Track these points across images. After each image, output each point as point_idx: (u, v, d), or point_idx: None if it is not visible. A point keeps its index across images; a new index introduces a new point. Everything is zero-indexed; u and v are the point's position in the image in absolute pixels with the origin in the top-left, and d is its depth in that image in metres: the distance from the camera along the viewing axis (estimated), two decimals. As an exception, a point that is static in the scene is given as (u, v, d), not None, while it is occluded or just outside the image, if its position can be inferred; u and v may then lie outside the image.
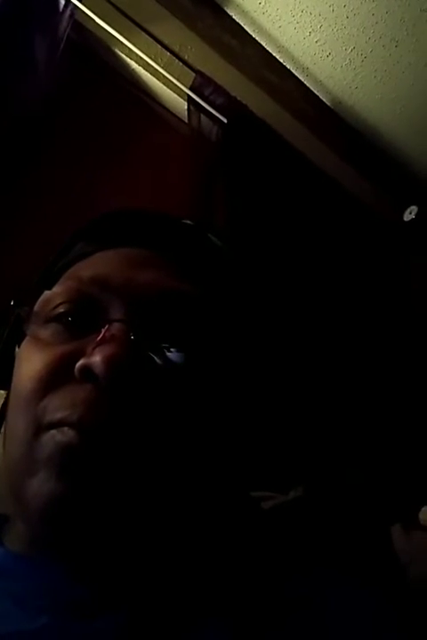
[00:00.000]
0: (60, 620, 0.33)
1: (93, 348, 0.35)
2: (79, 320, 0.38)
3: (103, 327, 0.36)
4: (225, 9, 1.34)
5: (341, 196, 1.60)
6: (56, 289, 0.40)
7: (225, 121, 1.40)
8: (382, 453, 1.42)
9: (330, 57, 1.46)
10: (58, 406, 0.34)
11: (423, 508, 1.21)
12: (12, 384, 0.39)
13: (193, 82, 1.37)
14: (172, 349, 0.37)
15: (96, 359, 0.34)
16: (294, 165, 1.48)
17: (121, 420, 0.33)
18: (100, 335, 0.35)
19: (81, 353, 0.35)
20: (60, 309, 0.39)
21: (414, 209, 1.62)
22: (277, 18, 1.37)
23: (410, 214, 1.62)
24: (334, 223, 1.53)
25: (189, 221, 0.47)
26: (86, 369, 0.34)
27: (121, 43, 1.25)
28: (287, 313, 1.30)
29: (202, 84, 1.38)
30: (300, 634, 0.35)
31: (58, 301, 0.39)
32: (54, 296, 0.40)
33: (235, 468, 0.45)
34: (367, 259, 1.60)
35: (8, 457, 0.37)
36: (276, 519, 0.51)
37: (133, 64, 1.33)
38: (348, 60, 1.46)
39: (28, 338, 0.40)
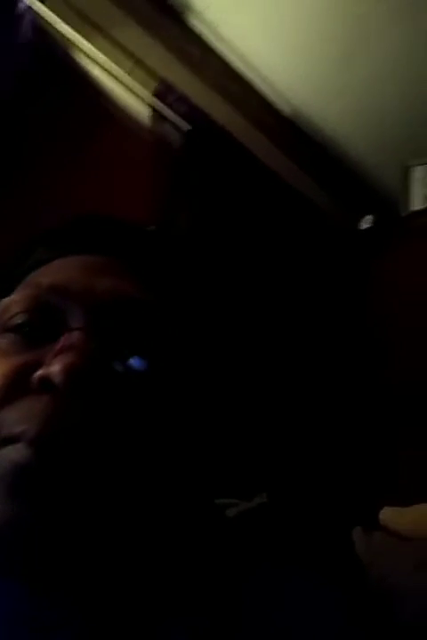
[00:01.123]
0: (13, 638, 0.32)
1: (52, 358, 0.34)
2: (37, 329, 0.37)
3: (62, 336, 0.35)
4: (188, 18, 1.35)
5: (300, 204, 1.64)
6: (13, 297, 0.39)
7: (188, 128, 1.41)
8: (342, 457, 1.46)
9: (289, 69, 1.49)
10: (15, 420, 0.33)
11: (384, 509, 1.26)
12: None
13: (156, 89, 1.38)
14: (132, 357, 0.37)
15: (55, 369, 0.32)
16: (255, 173, 1.51)
17: (81, 432, 0.33)
18: (60, 344, 0.34)
19: (39, 363, 0.34)
20: (18, 320, 0.38)
21: (369, 218, 1.68)
22: (239, 29, 1.40)
23: (366, 223, 1.68)
24: (293, 230, 1.57)
25: (149, 228, 0.48)
26: (45, 379, 0.33)
27: (83, 47, 1.24)
28: (246, 319, 1.32)
29: (165, 91, 1.38)
30: (260, 632, 0.35)
31: (15, 310, 0.38)
32: (11, 304, 0.38)
33: (198, 475, 0.45)
34: (325, 265, 1.65)
35: None
36: (240, 525, 0.52)
37: (96, 69, 1.32)
38: (306, 73, 1.51)
39: None
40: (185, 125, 1.42)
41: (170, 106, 1.41)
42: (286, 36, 1.41)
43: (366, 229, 1.68)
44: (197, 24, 1.37)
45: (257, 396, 1.26)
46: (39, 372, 0.34)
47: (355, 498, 1.26)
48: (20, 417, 0.33)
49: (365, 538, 0.87)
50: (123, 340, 0.37)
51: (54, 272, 0.40)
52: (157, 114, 1.40)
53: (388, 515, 1.25)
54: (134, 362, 0.37)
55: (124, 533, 0.36)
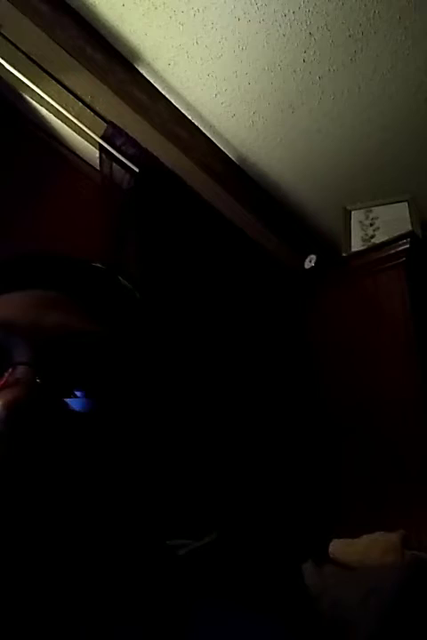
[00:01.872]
0: None
1: None
2: None
3: (7, 371, 0.35)
4: (136, 66, 1.39)
5: (247, 245, 1.69)
6: None
7: (136, 170, 1.44)
8: (291, 494, 1.47)
9: (235, 118, 1.57)
10: None
11: (333, 542, 1.27)
12: None
13: (105, 131, 1.40)
14: (80, 392, 0.37)
15: None
16: (203, 215, 1.56)
17: (22, 468, 0.32)
18: (3, 379, 0.34)
19: None
20: None
21: (313, 257, 1.76)
22: (185, 79, 1.46)
23: (310, 262, 1.75)
24: (240, 269, 1.62)
25: (97, 264, 0.48)
26: None
27: (31, 90, 1.25)
28: (192, 356, 1.33)
29: (114, 133, 1.41)
30: None
31: None
32: None
33: (148, 513, 0.45)
34: (271, 302, 1.70)
35: None
36: (188, 562, 0.52)
37: (44, 111, 1.33)
38: (251, 122, 1.59)
39: None
40: (134, 167, 1.44)
41: (119, 148, 1.43)
42: (230, 87, 1.48)
43: (309, 269, 1.75)
44: (144, 72, 1.42)
45: (205, 433, 1.26)
46: None
47: (305, 532, 1.27)
48: None
49: (316, 570, 0.88)
50: (70, 375, 0.37)
51: (0, 308, 0.40)
52: (106, 155, 1.42)
53: (337, 547, 1.28)
54: (82, 397, 0.36)
55: (70, 567, 0.35)
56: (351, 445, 1.51)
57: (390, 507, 1.37)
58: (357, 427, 1.50)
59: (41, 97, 1.28)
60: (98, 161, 1.42)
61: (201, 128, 1.59)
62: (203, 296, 1.45)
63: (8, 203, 1.21)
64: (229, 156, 1.66)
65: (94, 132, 1.39)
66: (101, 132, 1.40)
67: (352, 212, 1.75)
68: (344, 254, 1.70)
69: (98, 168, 1.42)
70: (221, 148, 1.64)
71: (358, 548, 1.17)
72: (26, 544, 0.32)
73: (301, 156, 1.68)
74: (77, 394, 0.37)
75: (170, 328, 1.24)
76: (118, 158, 1.43)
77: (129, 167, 1.44)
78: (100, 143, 1.40)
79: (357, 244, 1.69)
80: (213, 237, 1.55)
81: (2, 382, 0.34)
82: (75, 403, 0.36)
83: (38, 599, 0.34)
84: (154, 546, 0.46)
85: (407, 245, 1.56)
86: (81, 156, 1.47)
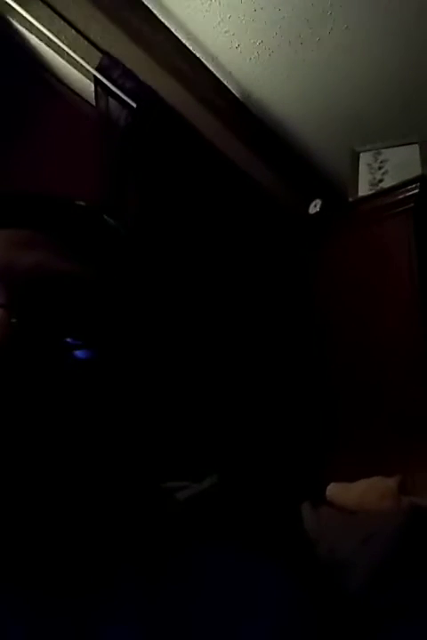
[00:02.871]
0: None
1: None
2: None
3: None
4: (133, -11, 1.30)
5: (249, 186, 1.63)
6: None
7: (134, 105, 1.36)
8: (290, 437, 1.48)
9: (239, 49, 1.48)
10: None
11: (330, 485, 1.29)
12: None
13: (100, 62, 1.32)
14: (59, 334, 0.35)
15: None
16: (203, 153, 1.49)
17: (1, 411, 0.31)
18: None
19: None
20: None
21: (318, 202, 1.70)
22: (186, 5, 1.36)
23: (315, 207, 1.70)
24: (241, 211, 1.56)
25: (80, 202, 0.46)
26: None
27: (20, 15, 1.17)
28: (193, 300, 1.30)
29: (109, 65, 1.32)
30: (208, 608, 0.35)
31: None
32: None
33: (143, 459, 0.44)
34: (273, 247, 1.66)
35: None
36: (190, 507, 0.51)
37: (34, 38, 1.25)
38: (256, 54, 1.49)
39: None
40: (131, 102, 1.37)
41: (115, 81, 1.35)
42: (235, 14, 1.38)
43: (314, 214, 1.70)
44: (143, -4, 1.32)
45: (203, 378, 1.25)
46: None
47: (301, 474, 1.28)
48: None
49: (313, 513, 0.89)
50: (51, 318, 0.35)
51: None
52: (101, 89, 1.34)
53: (334, 490, 1.29)
54: (62, 339, 0.35)
55: (61, 516, 0.34)
56: (352, 392, 1.51)
57: (388, 453, 1.38)
58: (358, 374, 1.50)
59: (31, 23, 1.19)
60: (93, 95, 1.34)
61: (203, 60, 1.50)
62: (203, 238, 1.41)
63: None
64: (233, 91, 1.57)
65: (89, 64, 1.30)
66: (96, 63, 1.32)
67: (360, 154, 1.68)
68: (351, 199, 1.64)
69: (93, 103, 1.34)
70: (224, 83, 1.56)
71: (356, 492, 1.19)
72: (9, 490, 0.31)
73: (308, 92, 1.60)
74: (55, 336, 0.35)
75: (169, 270, 1.21)
76: (115, 92, 1.35)
77: (126, 102, 1.37)
78: (95, 75, 1.32)
79: (364, 189, 1.63)
80: (215, 178, 1.49)
81: None
82: (52, 345, 0.34)
83: (32, 549, 0.34)
84: (150, 490, 0.45)
85: (417, 190, 1.50)
86: (75, 89, 1.38)
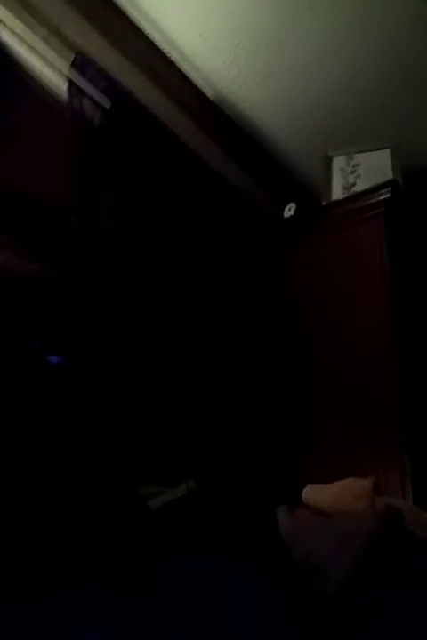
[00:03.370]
0: None
1: None
2: None
3: None
4: (107, -12, 1.28)
5: (223, 189, 1.63)
6: None
7: (108, 106, 1.34)
8: (264, 439, 1.48)
9: (214, 51, 1.47)
10: None
11: (306, 488, 1.30)
12: None
13: (73, 61, 1.29)
14: (25, 337, 0.34)
15: None
16: (178, 155, 1.48)
17: None
18: None
19: None
20: None
21: (292, 206, 1.71)
22: (161, 6, 1.35)
23: (289, 211, 1.71)
24: (216, 213, 1.56)
25: (47, 204, 0.45)
26: None
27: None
28: (166, 301, 1.29)
29: (83, 64, 1.30)
30: (182, 615, 0.34)
31: None
32: None
33: (116, 463, 0.43)
34: (248, 250, 1.66)
35: None
36: (165, 514, 0.50)
37: (6, 35, 1.22)
38: (232, 57, 1.49)
39: None
40: (105, 101, 1.35)
41: (89, 80, 1.33)
42: (211, 16, 1.38)
43: (288, 217, 1.71)
44: (117, -5, 1.30)
45: (177, 381, 1.24)
46: None
47: (277, 477, 1.29)
48: None
49: (288, 516, 0.88)
50: (15, 320, 0.34)
51: None
52: (75, 87, 1.31)
53: (310, 492, 1.29)
54: (30, 345, 0.34)
55: (35, 526, 0.33)
56: (325, 393, 1.52)
57: (362, 454, 1.40)
58: (331, 375, 1.51)
59: (3, 19, 1.17)
60: (66, 94, 1.31)
61: (178, 62, 1.49)
62: (177, 239, 1.40)
63: None
64: (207, 94, 1.57)
65: (62, 62, 1.28)
66: (70, 61, 1.29)
67: (334, 159, 1.70)
68: (324, 203, 1.66)
69: (66, 102, 1.31)
70: (199, 86, 1.55)
71: (331, 494, 1.19)
72: None
73: (284, 95, 1.61)
74: (23, 339, 0.34)
75: (142, 271, 1.19)
76: (88, 92, 1.33)
77: (100, 102, 1.35)
78: (68, 74, 1.30)
79: (337, 193, 1.65)
80: (189, 180, 1.48)
81: None
82: (20, 349, 0.34)
83: (7, 550, 0.33)
84: (125, 498, 0.44)
85: (388, 195, 1.52)
86: (48, 87, 1.35)
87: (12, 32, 1.20)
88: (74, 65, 1.30)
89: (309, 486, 1.29)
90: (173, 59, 1.48)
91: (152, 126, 1.42)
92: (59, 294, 0.37)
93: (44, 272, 0.37)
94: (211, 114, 1.59)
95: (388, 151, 1.65)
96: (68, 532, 0.36)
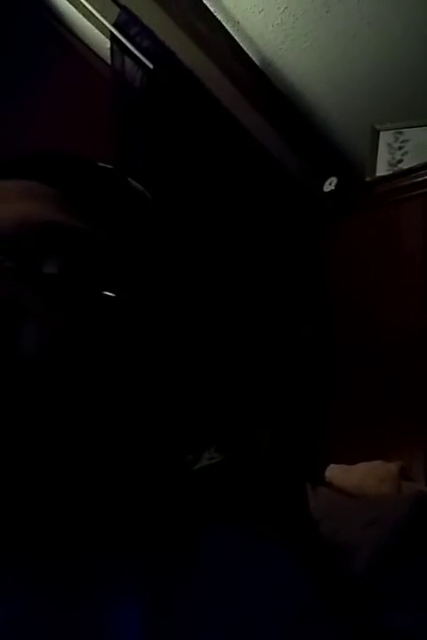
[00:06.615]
0: None
1: None
2: None
3: None
4: None
5: (263, 158, 1.59)
6: None
7: (150, 66, 1.31)
8: (291, 416, 1.48)
9: (262, 14, 1.42)
10: None
11: (330, 467, 1.29)
12: None
13: (118, 18, 1.27)
14: (49, 284, 0.33)
15: None
16: (218, 120, 1.44)
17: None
18: None
19: None
20: None
21: (333, 180, 1.66)
22: (210, -38, 1.31)
23: (330, 185, 1.66)
24: (255, 182, 1.52)
25: (104, 164, 0.44)
26: None
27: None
28: (202, 269, 1.28)
29: (128, 21, 1.27)
30: (212, 589, 0.34)
31: None
32: None
33: (157, 424, 0.42)
34: (286, 222, 1.62)
35: None
36: (198, 480, 0.50)
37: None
38: (280, 20, 1.44)
39: None
40: (148, 63, 1.32)
41: (132, 39, 1.30)
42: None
43: (328, 192, 1.66)
44: None
45: (206, 348, 1.24)
46: None
47: (303, 455, 1.28)
48: None
49: (312, 493, 0.88)
50: (48, 273, 0.34)
51: None
52: (118, 46, 1.29)
53: (334, 472, 1.28)
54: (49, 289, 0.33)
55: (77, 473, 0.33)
56: (352, 372, 1.50)
57: (388, 437, 1.38)
58: (364, 356, 1.48)
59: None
60: (108, 53, 1.29)
61: (223, 23, 1.44)
62: (214, 207, 1.37)
63: (3, 92, 1.11)
64: (253, 58, 1.52)
65: (106, 18, 1.25)
66: (114, 18, 1.27)
67: (381, 133, 1.63)
68: (368, 179, 1.60)
69: (108, 61, 1.29)
70: (244, 49, 1.50)
71: (356, 475, 1.18)
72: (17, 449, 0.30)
73: (331, 63, 1.54)
74: (45, 286, 0.33)
75: (178, 238, 1.18)
76: (131, 51, 1.30)
77: (142, 62, 1.32)
78: (111, 32, 1.27)
79: (382, 169, 1.58)
80: (228, 146, 1.45)
81: None
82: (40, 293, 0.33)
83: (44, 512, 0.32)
84: (170, 458, 0.44)
85: (436, 174, 1.46)
86: (90, 45, 1.33)
87: (58, -14, 1.18)
88: (118, 22, 1.27)
89: (333, 466, 1.29)
90: (218, 20, 1.44)
91: (194, 90, 1.39)
92: (103, 256, 0.36)
93: (91, 231, 0.36)
94: (255, 79, 1.54)
95: (439, 127, 1.57)
96: (100, 488, 0.36)
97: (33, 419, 0.31)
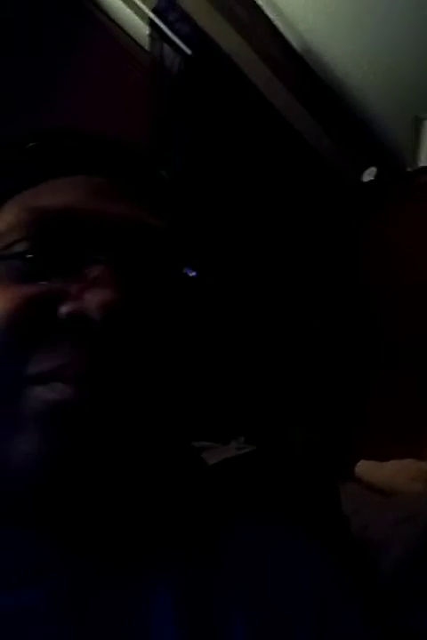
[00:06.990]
0: None
1: (81, 292, 0.31)
2: (44, 258, 0.33)
3: (83, 267, 0.32)
4: None
5: (301, 146, 1.56)
6: (5, 222, 0.35)
7: (189, 52, 1.31)
8: (321, 408, 1.46)
9: (303, -2, 1.38)
10: (43, 357, 0.30)
11: (360, 463, 1.27)
12: None
13: (157, 4, 1.26)
14: (153, 288, 0.34)
15: (91, 305, 0.30)
16: (256, 108, 1.42)
17: (118, 370, 0.31)
18: (87, 278, 0.32)
19: (60, 296, 0.31)
20: (18, 248, 0.33)
21: (373, 170, 1.61)
22: None
23: (369, 175, 1.62)
24: (292, 171, 1.50)
25: (143, 151, 0.45)
26: (77, 315, 0.30)
27: None
28: (236, 258, 1.27)
29: (167, 7, 1.27)
30: (241, 582, 0.33)
31: (12, 238, 0.33)
32: (4, 231, 0.34)
33: (179, 415, 0.43)
34: (324, 213, 1.59)
35: None
36: (225, 472, 0.50)
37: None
38: (321, 5, 1.40)
39: None
40: (186, 49, 1.31)
41: (171, 25, 1.30)
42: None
43: (368, 182, 1.61)
44: None
45: (244, 337, 1.23)
46: (68, 308, 0.31)
47: (333, 450, 1.26)
48: (48, 355, 0.30)
49: (341, 489, 0.87)
50: (142, 272, 0.34)
51: (53, 194, 0.35)
52: (156, 32, 1.28)
53: (364, 468, 1.25)
54: (155, 293, 0.35)
55: (141, 471, 0.34)
56: (387, 369, 1.47)
57: (421, 436, 1.35)
58: (400, 351, 1.45)
59: None
60: (146, 39, 1.29)
61: (263, 7, 1.41)
62: (251, 195, 1.36)
63: (40, 76, 1.12)
64: (292, 43, 1.48)
65: (145, 4, 1.25)
66: (153, 4, 1.26)
67: (424, 122, 1.57)
68: (409, 169, 1.55)
69: (146, 47, 1.29)
70: (284, 34, 1.47)
71: (386, 472, 1.16)
72: (119, 445, 0.31)
73: (373, 50, 1.49)
74: (150, 292, 0.34)
75: (214, 226, 1.18)
76: (170, 38, 1.29)
77: (180, 49, 1.31)
78: (150, 18, 1.27)
79: (425, 159, 1.53)
80: (266, 134, 1.42)
81: (85, 281, 0.31)
82: (148, 301, 0.34)
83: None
84: (185, 452, 0.44)
85: None
86: (128, 31, 1.33)
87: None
88: (157, 8, 1.27)
89: (363, 461, 1.26)
90: (258, 5, 1.41)
91: (232, 76, 1.37)
92: (169, 247, 0.37)
93: (158, 223, 0.36)
94: (294, 66, 1.51)
95: None
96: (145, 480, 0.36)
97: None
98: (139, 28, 1.31)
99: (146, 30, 1.29)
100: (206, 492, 0.41)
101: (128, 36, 1.34)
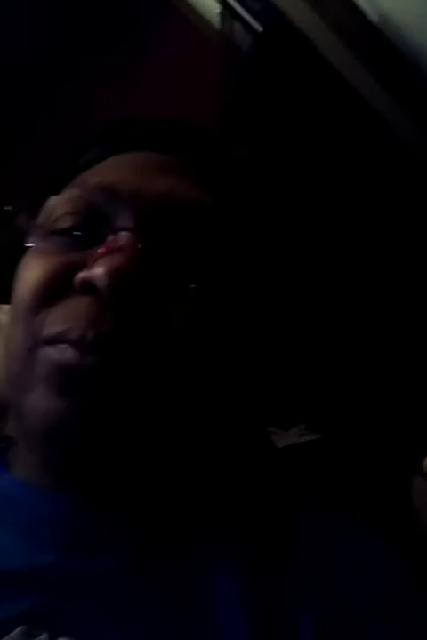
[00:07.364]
0: (67, 555, 0.31)
1: (96, 259, 0.32)
2: (84, 232, 0.35)
3: (108, 237, 0.33)
4: None
5: (378, 126, 1.49)
6: (59, 198, 0.37)
7: (260, 29, 1.28)
8: (392, 400, 1.41)
9: (383, -35, 1.31)
10: (55, 320, 0.32)
11: (428, 457, 1.22)
12: (13, 296, 0.37)
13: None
14: (184, 264, 0.34)
15: (99, 271, 0.31)
16: (330, 86, 1.37)
17: (125, 336, 0.31)
18: (104, 245, 0.32)
19: (83, 264, 0.33)
20: (63, 223, 0.35)
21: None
22: None
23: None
24: (366, 152, 1.43)
25: (212, 130, 0.45)
26: (87, 282, 0.31)
27: None
28: (307, 238, 1.24)
29: (238, -17, 1.24)
30: (309, 574, 0.33)
31: (60, 212, 0.36)
32: (56, 206, 0.36)
33: (247, 396, 0.42)
34: (400, 198, 1.52)
35: (8, 372, 0.35)
36: (290, 457, 0.50)
37: None
38: (402, -28, 1.31)
39: (29, 250, 0.37)
40: (257, 26, 1.28)
41: (242, 2, 1.27)
42: None
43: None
44: None
45: (306, 319, 1.20)
46: (81, 274, 0.32)
47: (404, 443, 1.22)
48: (60, 318, 0.32)
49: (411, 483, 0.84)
50: (175, 245, 0.34)
51: (104, 171, 0.37)
52: (227, 10, 1.27)
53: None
54: (185, 269, 0.34)
55: (169, 440, 0.34)
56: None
57: None
58: None
59: None
60: (215, 16, 1.27)
61: (339, -21, 1.35)
62: (323, 178, 1.32)
63: (106, 55, 1.13)
64: (369, 14, 1.41)
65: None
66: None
67: None
68: None
69: (215, 24, 1.28)
70: (360, 5, 1.40)
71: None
72: (133, 408, 0.32)
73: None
74: (181, 266, 0.34)
75: (283, 206, 1.15)
76: (241, 15, 1.27)
77: (251, 26, 1.29)
78: (222, -4, 1.25)
79: None
80: (341, 114, 1.37)
81: (102, 248, 0.32)
82: (178, 275, 0.34)
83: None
84: (256, 435, 0.44)
85: None
86: (198, 10, 1.32)
87: None
88: (228, -15, 1.25)
89: (432, 456, 1.21)
90: (334, -24, 1.35)
91: (305, 53, 1.33)
92: (217, 225, 0.36)
93: (208, 201, 0.36)
94: (371, 39, 1.43)
95: None
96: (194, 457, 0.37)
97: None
98: (209, 6, 1.30)
99: (216, 8, 1.28)
100: (276, 476, 0.41)
101: (198, 14, 1.33)
